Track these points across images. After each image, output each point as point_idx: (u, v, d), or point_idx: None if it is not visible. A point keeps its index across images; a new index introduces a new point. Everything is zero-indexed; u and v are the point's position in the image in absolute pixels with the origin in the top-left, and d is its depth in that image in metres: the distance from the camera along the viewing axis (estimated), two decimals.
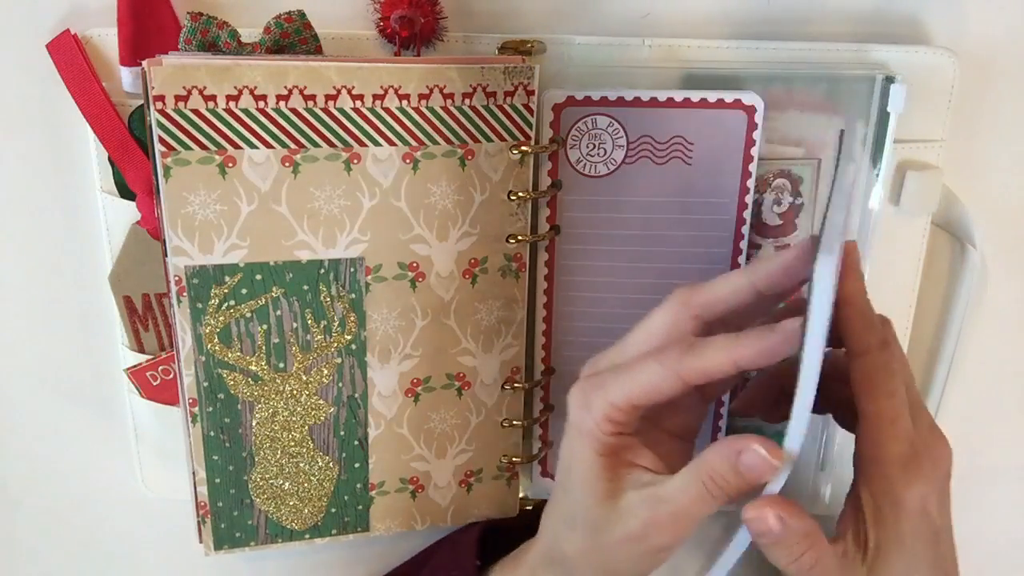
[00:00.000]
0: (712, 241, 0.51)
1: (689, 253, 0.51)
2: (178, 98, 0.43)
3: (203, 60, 0.43)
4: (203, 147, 0.44)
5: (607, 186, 0.50)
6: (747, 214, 0.50)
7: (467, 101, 0.47)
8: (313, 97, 0.44)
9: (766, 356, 0.39)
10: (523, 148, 0.48)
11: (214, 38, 0.45)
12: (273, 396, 0.49)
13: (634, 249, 0.51)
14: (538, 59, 0.47)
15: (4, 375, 0.57)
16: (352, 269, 0.48)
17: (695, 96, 0.48)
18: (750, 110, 0.48)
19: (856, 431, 0.43)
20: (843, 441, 0.56)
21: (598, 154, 0.50)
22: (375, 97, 0.45)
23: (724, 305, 0.42)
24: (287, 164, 0.45)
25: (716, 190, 0.50)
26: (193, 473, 0.50)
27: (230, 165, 0.44)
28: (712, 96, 0.48)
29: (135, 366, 0.53)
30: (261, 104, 0.44)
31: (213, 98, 0.43)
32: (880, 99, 0.49)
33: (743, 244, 0.50)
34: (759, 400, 0.48)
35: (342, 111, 0.45)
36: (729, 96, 0.48)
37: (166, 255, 0.46)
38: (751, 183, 0.50)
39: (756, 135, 0.48)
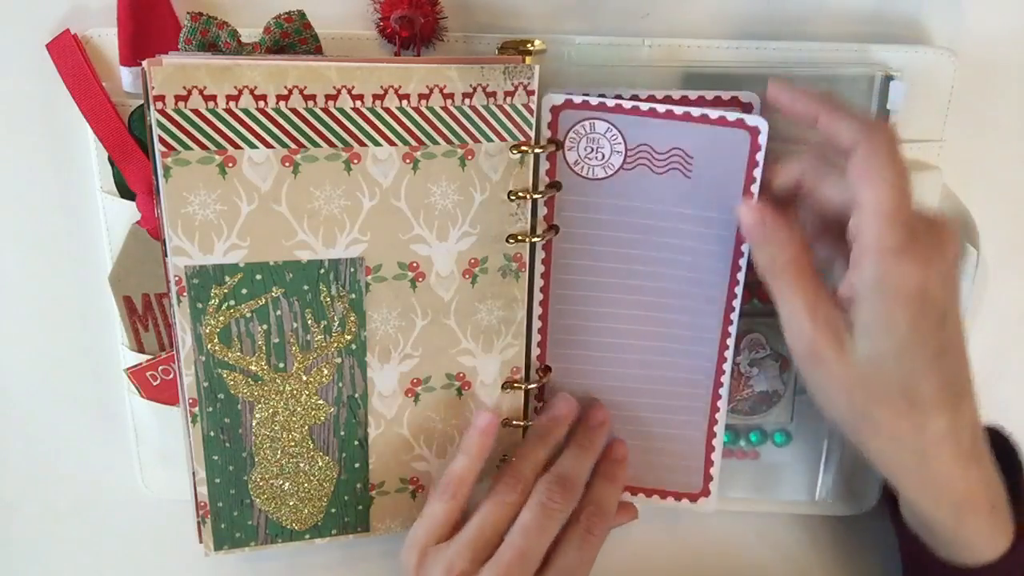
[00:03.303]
0: (711, 253, 0.50)
1: (687, 262, 0.50)
2: (178, 98, 0.43)
3: (203, 60, 0.43)
4: (203, 147, 0.44)
5: (604, 189, 0.50)
6: None
7: (467, 101, 0.47)
8: (313, 97, 0.44)
9: None
10: (523, 148, 0.48)
11: (214, 38, 0.45)
12: (273, 396, 0.49)
13: (631, 252, 0.51)
14: (538, 59, 0.47)
15: (4, 375, 0.57)
16: (352, 269, 0.48)
17: (695, 111, 0.47)
18: (753, 131, 0.47)
19: (854, 226, 0.43)
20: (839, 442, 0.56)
21: (596, 158, 0.49)
22: (375, 97, 0.45)
23: None
24: (287, 164, 0.45)
25: (716, 204, 0.48)
26: (193, 473, 0.50)
27: (230, 165, 0.44)
28: (714, 113, 0.47)
29: (135, 366, 0.53)
30: (261, 104, 0.44)
31: (213, 98, 0.43)
32: (880, 98, 0.49)
33: (742, 261, 0.49)
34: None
35: (342, 111, 0.45)
36: (732, 115, 0.47)
37: (166, 255, 0.46)
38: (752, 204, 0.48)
39: (759, 157, 0.47)
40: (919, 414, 0.44)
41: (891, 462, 0.46)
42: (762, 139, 0.47)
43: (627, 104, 0.48)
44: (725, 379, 0.52)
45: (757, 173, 0.47)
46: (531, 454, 0.51)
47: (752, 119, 0.47)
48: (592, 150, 0.49)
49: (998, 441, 0.51)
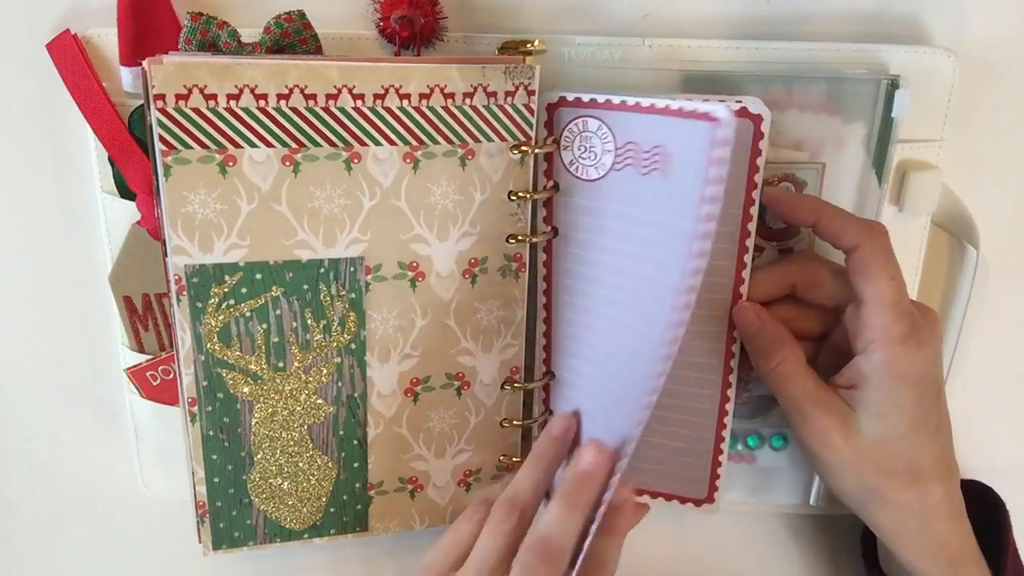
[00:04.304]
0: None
1: (675, 263, 0.49)
2: (179, 97, 0.43)
3: (204, 59, 0.43)
4: (203, 146, 0.44)
5: (599, 190, 0.49)
6: (751, 226, 0.48)
7: (468, 101, 0.47)
8: (314, 96, 0.44)
9: None
10: (523, 148, 0.48)
11: (214, 38, 0.45)
12: (272, 395, 0.49)
13: (628, 256, 0.49)
14: (538, 59, 0.47)
15: (4, 375, 0.57)
16: (352, 268, 0.48)
17: (675, 105, 0.44)
18: (757, 119, 0.46)
19: (852, 317, 0.47)
20: None
21: (588, 157, 0.49)
22: (376, 96, 0.45)
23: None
24: (287, 163, 0.45)
25: (695, 204, 0.46)
26: (192, 472, 0.49)
27: (230, 164, 0.44)
28: (688, 106, 0.44)
29: (135, 366, 0.53)
30: (262, 103, 0.44)
31: (214, 97, 0.43)
32: (884, 102, 0.49)
33: (747, 258, 0.49)
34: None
35: (343, 110, 0.45)
36: (730, 100, 0.45)
37: (166, 255, 0.46)
38: (756, 194, 0.47)
39: (762, 145, 0.46)
40: (922, 484, 0.47)
41: (895, 528, 0.49)
42: (765, 126, 0.46)
43: (615, 99, 0.47)
44: (731, 391, 0.52)
45: (760, 162, 0.46)
46: (528, 478, 0.47)
47: (756, 107, 0.45)
48: (585, 149, 0.48)
49: (981, 495, 0.54)
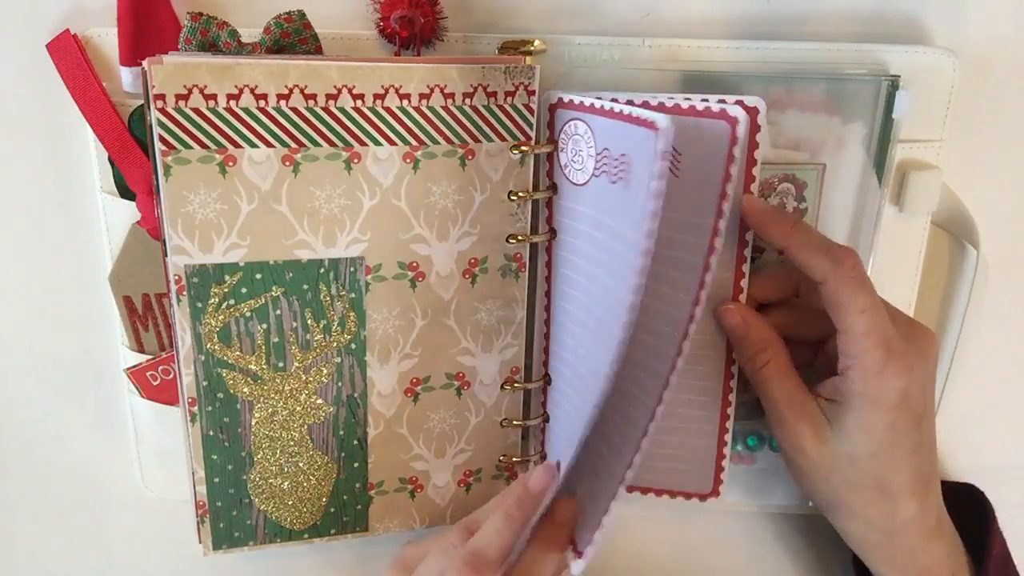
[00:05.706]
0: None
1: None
2: (179, 97, 0.43)
3: (204, 59, 0.43)
4: (203, 146, 0.44)
5: (581, 195, 0.48)
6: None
7: (468, 101, 0.47)
8: (314, 96, 0.44)
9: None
10: (523, 148, 0.48)
11: (214, 38, 0.45)
12: (272, 395, 0.49)
13: (602, 262, 0.47)
14: (538, 59, 0.47)
15: (4, 375, 0.57)
16: (352, 268, 0.48)
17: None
18: (753, 111, 0.45)
19: (834, 342, 0.47)
20: None
21: (577, 161, 0.48)
22: (376, 96, 0.45)
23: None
24: (287, 163, 0.45)
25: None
26: (192, 472, 0.49)
27: (230, 164, 0.44)
28: (647, 114, 0.40)
29: (135, 366, 0.53)
30: (262, 103, 0.44)
31: (214, 97, 0.43)
32: (885, 103, 0.49)
33: (747, 251, 0.48)
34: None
35: (343, 110, 0.45)
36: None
37: (166, 255, 0.46)
38: (755, 188, 0.47)
39: (760, 137, 0.46)
40: (890, 501, 0.47)
41: (861, 540, 0.49)
42: (761, 119, 0.45)
43: (598, 103, 0.44)
44: (734, 383, 0.52)
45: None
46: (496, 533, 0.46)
47: (751, 100, 0.44)
48: (575, 152, 0.48)
49: (972, 498, 0.54)
